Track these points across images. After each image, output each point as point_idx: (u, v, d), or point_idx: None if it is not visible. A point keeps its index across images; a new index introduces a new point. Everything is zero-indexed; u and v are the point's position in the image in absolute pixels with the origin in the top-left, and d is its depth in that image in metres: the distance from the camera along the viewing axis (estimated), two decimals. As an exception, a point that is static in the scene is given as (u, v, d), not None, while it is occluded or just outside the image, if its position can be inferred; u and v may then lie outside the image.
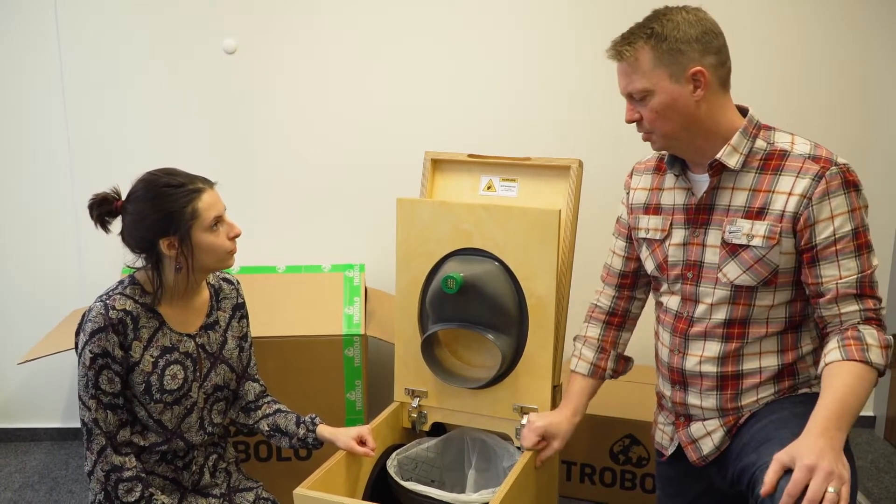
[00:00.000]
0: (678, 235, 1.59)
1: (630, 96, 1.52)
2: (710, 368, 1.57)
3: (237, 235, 1.68)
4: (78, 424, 2.91)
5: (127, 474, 1.59)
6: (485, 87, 2.76)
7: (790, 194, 1.45)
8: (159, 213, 1.58)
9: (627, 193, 1.74)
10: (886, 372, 1.42)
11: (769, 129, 1.54)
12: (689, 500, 1.76)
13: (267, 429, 1.80)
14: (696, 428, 1.63)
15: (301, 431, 1.77)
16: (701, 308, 1.56)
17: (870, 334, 1.42)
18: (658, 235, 1.63)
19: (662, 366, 1.68)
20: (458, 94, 2.76)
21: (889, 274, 2.91)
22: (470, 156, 2.04)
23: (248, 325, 1.83)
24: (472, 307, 1.84)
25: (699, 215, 1.56)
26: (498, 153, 2.03)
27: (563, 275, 1.88)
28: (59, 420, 3.00)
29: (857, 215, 1.45)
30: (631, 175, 1.75)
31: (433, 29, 2.72)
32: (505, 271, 1.85)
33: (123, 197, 1.64)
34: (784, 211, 1.46)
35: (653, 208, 1.65)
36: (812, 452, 1.27)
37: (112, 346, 1.57)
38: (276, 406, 1.83)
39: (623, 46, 1.48)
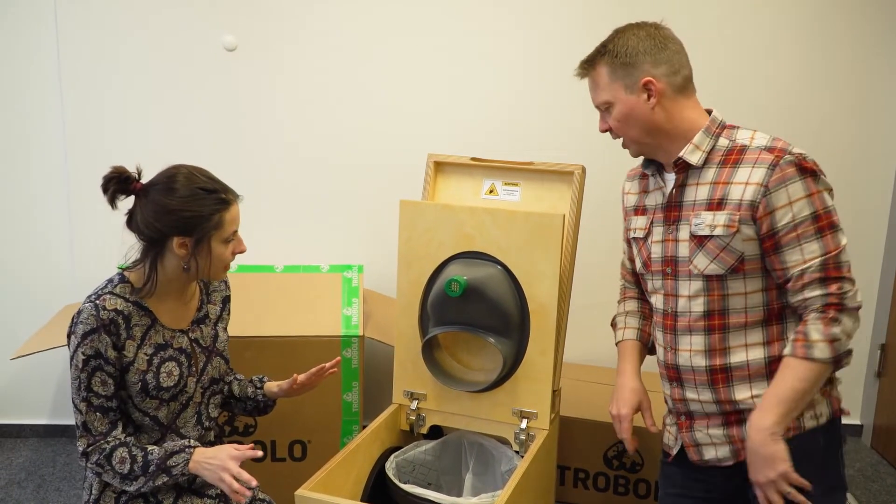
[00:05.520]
0: (657, 233, 1.67)
1: (599, 109, 1.65)
2: (699, 362, 1.62)
3: (241, 252, 1.67)
4: (65, 421, 2.92)
5: (113, 451, 1.56)
6: (487, 90, 2.76)
7: (747, 184, 1.52)
8: (187, 212, 1.56)
9: (623, 198, 1.81)
10: (844, 360, 1.48)
11: (733, 127, 1.61)
12: (692, 501, 1.77)
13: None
14: (700, 436, 1.66)
15: (249, 390, 1.82)
16: (681, 302, 1.62)
17: (815, 329, 1.47)
18: (641, 234, 1.71)
19: (660, 365, 1.73)
20: (460, 96, 2.76)
21: (879, 281, 2.95)
22: (473, 159, 2.03)
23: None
24: (474, 310, 1.84)
25: (671, 212, 1.64)
26: (499, 156, 2.03)
27: (565, 280, 1.88)
28: (47, 417, 2.97)
29: (815, 199, 1.49)
30: (625, 182, 1.83)
31: (435, 30, 2.72)
32: (507, 275, 1.85)
33: (144, 180, 1.60)
34: (742, 200, 1.52)
35: (640, 209, 1.73)
36: (756, 471, 1.49)
37: (105, 347, 1.55)
38: (231, 376, 1.85)
39: (584, 64, 1.63)
